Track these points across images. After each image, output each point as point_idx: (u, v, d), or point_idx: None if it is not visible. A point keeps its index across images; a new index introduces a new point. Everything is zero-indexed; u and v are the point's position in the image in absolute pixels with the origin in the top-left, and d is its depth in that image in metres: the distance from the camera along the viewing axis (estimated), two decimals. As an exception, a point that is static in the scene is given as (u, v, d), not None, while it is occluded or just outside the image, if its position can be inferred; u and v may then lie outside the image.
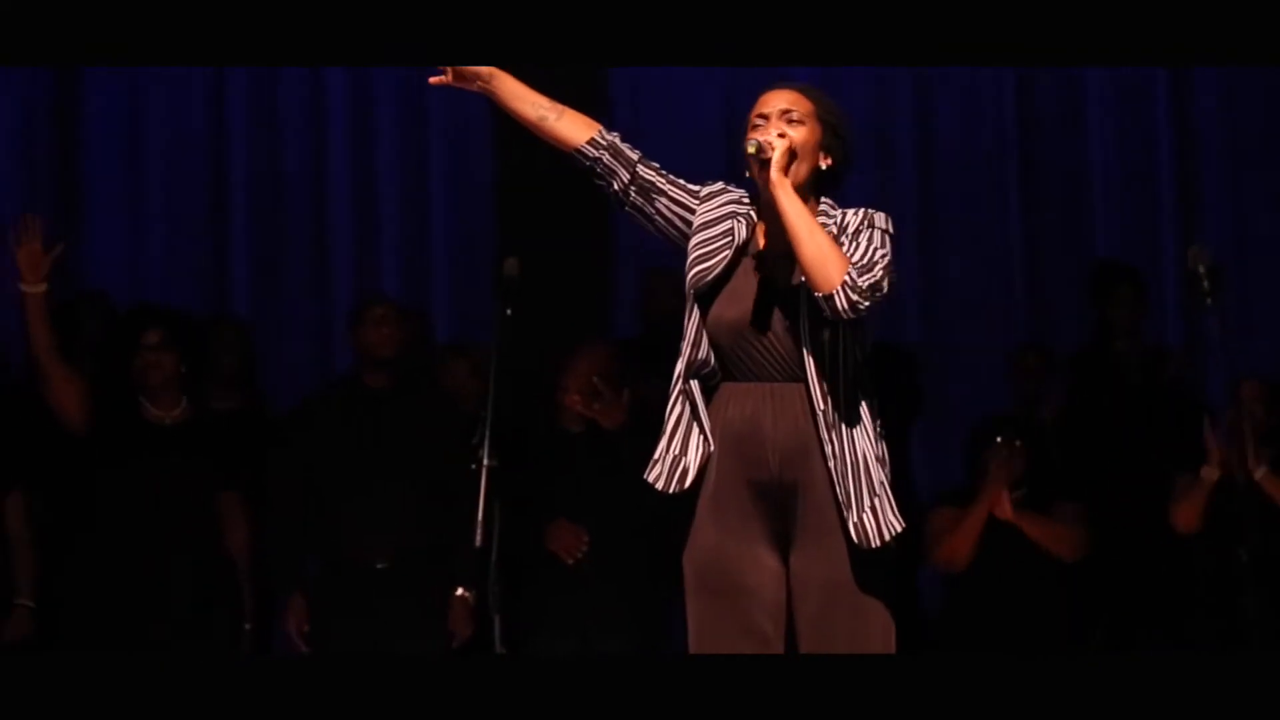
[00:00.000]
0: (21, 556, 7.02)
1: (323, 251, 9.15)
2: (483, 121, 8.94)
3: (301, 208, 9.17)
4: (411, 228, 9.22)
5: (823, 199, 4.59)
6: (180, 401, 7.08)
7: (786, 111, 4.54)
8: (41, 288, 6.78)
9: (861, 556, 4.49)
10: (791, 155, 4.53)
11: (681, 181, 4.71)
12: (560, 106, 4.73)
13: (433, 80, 4.78)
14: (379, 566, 6.98)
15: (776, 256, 4.56)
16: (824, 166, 4.56)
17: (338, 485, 7.03)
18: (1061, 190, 9.36)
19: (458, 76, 4.73)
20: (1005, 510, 7.31)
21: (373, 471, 7.04)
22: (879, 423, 4.56)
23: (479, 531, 5.67)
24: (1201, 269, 5.90)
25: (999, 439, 7.34)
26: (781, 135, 4.53)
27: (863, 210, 4.55)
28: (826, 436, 4.46)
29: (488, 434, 5.78)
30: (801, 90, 4.61)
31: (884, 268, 4.44)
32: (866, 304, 4.40)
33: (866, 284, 4.39)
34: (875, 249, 4.46)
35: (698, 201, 4.66)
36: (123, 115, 9.15)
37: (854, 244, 4.46)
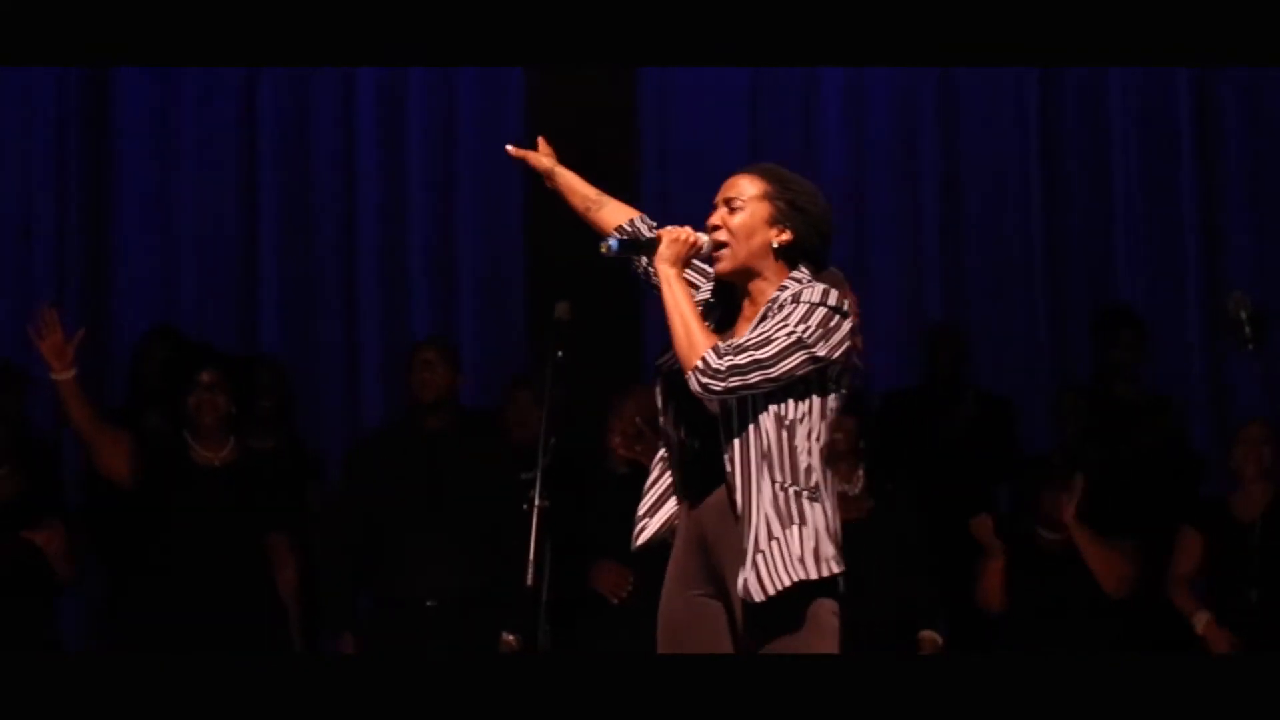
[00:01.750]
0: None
1: (351, 282, 9.16)
2: (513, 137, 8.97)
3: (330, 232, 9.19)
4: (441, 261, 9.24)
5: (797, 270, 4.76)
6: (228, 442, 7.23)
7: (730, 200, 4.80)
8: (70, 374, 7.01)
9: (761, 609, 4.63)
10: (718, 245, 4.76)
11: (697, 264, 4.89)
12: (605, 197, 5.07)
13: (512, 151, 5.20)
14: (429, 604, 7.05)
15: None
16: (778, 243, 4.75)
17: (393, 524, 7.12)
18: (1084, 203, 9.38)
19: (532, 160, 5.15)
20: (1068, 514, 7.31)
21: (427, 511, 7.13)
22: (805, 481, 4.67)
23: (530, 571, 5.72)
24: (1244, 315, 5.97)
25: (1047, 480, 7.41)
26: (716, 226, 4.78)
27: (808, 287, 4.70)
28: (735, 498, 4.66)
29: (539, 474, 5.83)
30: (758, 172, 4.83)
31: (771, 349, 4.60)
32: (721, 385, 4.61)
33: (725, 366, 4.59)
34: (772, 330, 4.63)
35: (707, 281, 4.90)
36: (155, 121, 9.18)
37: (759, 325, 4.67)
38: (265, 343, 8.96)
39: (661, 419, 4.86)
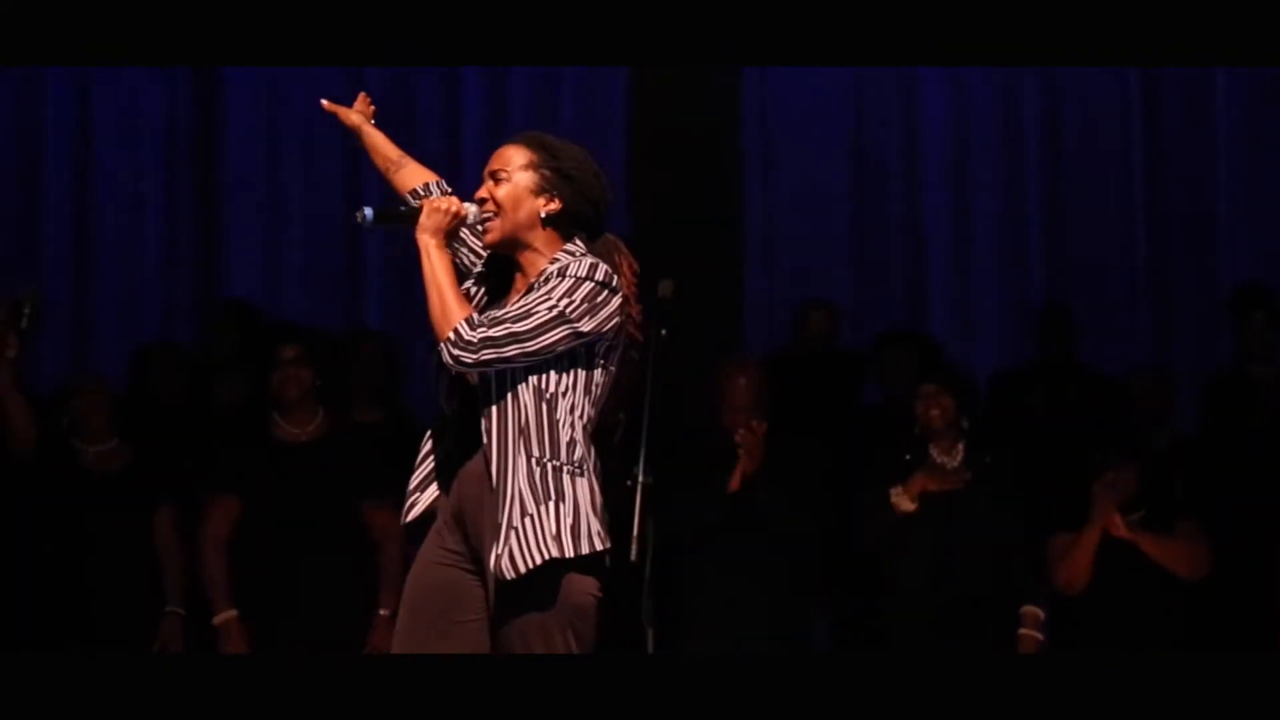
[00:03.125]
0: (171, 567, 7.20)
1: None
2: (617, 136, 9.06)
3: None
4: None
5: (570, 243, 4.67)
6: (315, 417, 7.21)
7: (495, 171, 4.71)
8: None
9: (513, 586, 4.56)
10: (485, 216, 4.67)
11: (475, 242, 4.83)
12: (406, 159, 5.02)
13: (326, 105, 5.17)
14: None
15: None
16: (545, 212, 4.67)
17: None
18: (1189, 203, 9.37)
19: (342, 115, 5.14)
20: (1120, 529, 7.30)
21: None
22: (567, 456, 4.60)
23: (634, 547, 5.77)
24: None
25: (1108, 465, 7.35)
26: (483, 199, 4.69)
27: (577, 261, 4.61)
28: (491, 471, 4.57)
29: (643, 451, 5.88)
30: (523, 142, 4.74)
31: (530, 323, 4.53)
32: (472, 358, 4.53)
33: (477, 338, 4.51)
34: (534, 303, 4.56)
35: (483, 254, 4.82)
36: (262, 105, 9.29)
37: (523, 298, 4.59)
38: (370, 319, 9.06)
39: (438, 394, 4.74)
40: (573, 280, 4.56)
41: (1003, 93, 9.40)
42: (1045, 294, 9.27)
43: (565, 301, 4.54)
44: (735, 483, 7.21)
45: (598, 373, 4.65)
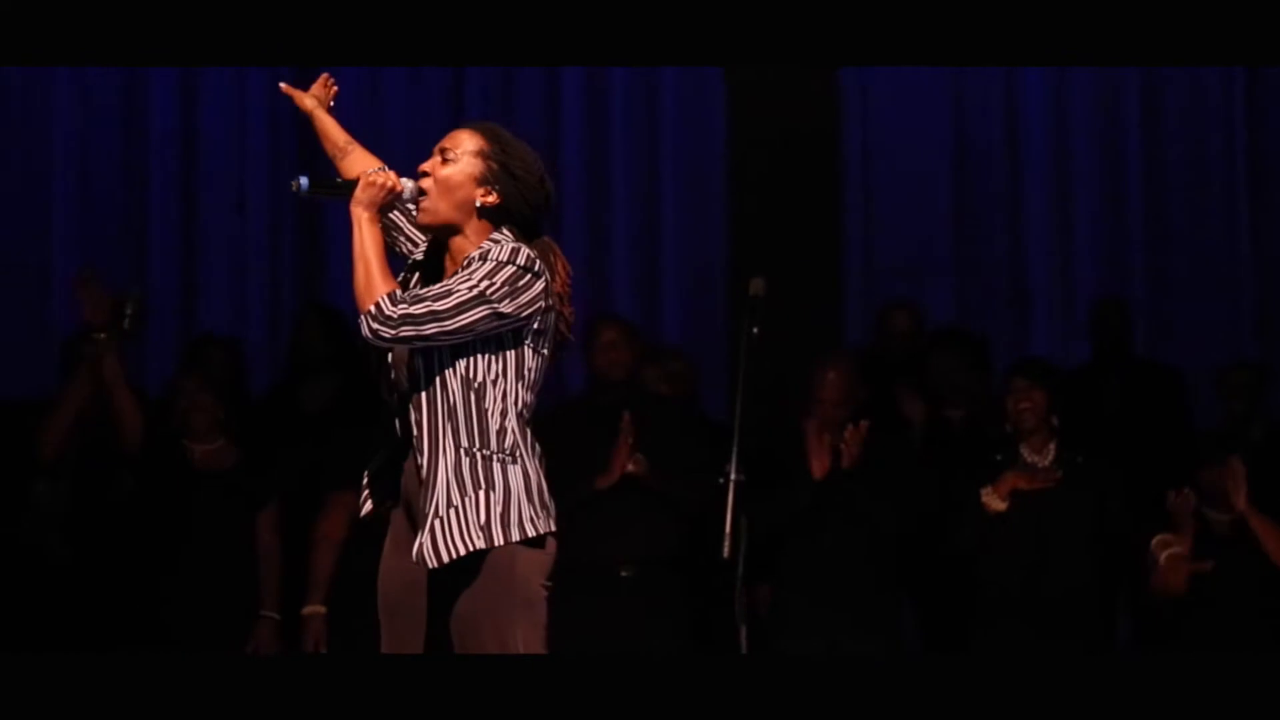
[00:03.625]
0: (269, 570, 7.29)
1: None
2: (716, 136, 9.09)
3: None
4: (643, 241, 9.37)
5: (500, 231, 4.62)
6: None
7: (445, 149, 4.68)
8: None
9: (446, 576, 4.53)
10: (421, 192, 4.63)
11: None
12: (353, 145, 4.97)
13: (283, 88, 5.10)
14: (623, 574, 7.15)
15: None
16: (482, 202, 4.63)
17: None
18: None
19: (297, 99, 5.07)
20: (1241, 501, 7.19)
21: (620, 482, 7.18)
22: (498, 445, 4.55)
23: (726, 544, 5.81)
24: None
25: (1213, 460, 7.28)
26: (426, 173, 4.65)
27: (500, 246, 4.56)
28: (421, 461, 4.54)
29: (735, 449, 5.93)
30: (479, 129, 4.71)
31: (449, 301, 4.47)
32: (391, 333, 4.48)
33: (398, 313, 4.46)
34: (455, 284, 4.51)
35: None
36: (362, 105, 9.36)
37: (448, 279, 4.55)
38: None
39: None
40: (494, 264, 4.50)
41: (1103, 80, 9.35)
42: (1146, 287, 9.23)
43: (485, 283, 4.48)
44: (819, 470, 7.18)
45: (529, 358, 4.58)
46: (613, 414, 7.17)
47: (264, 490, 7.34)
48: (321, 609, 7.17)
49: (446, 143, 4.68)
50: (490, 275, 4.49)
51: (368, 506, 4.72)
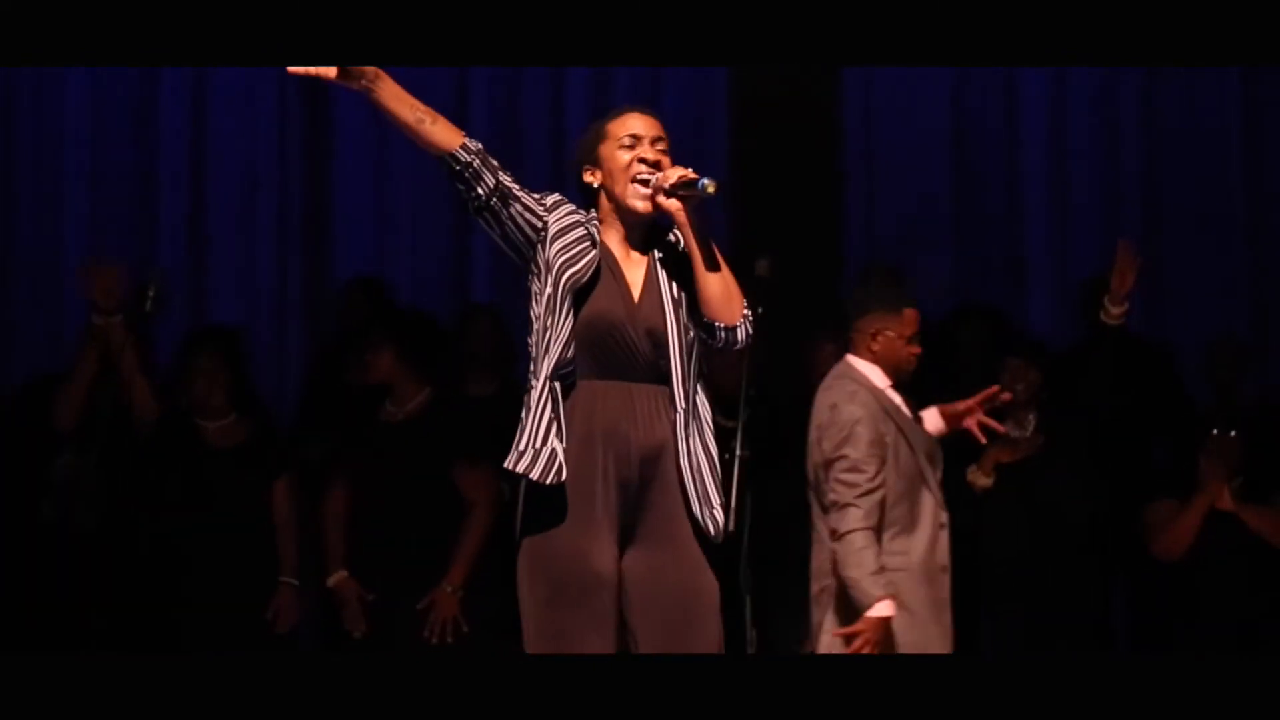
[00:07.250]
0: (287, 537, 7.41)
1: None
2: (719, 122, 9.20)
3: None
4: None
5: None
6: (416, 395, 7.33)
7: (658, 139, 4.81)
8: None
9: (701, 561, 4.72)
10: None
11: (530, 191, 4.80)
12: (434, 112, 4.79)
13: (293, 70, 4.71)
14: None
15: (632, 265, 4.80)
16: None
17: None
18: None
19: (342, 74, 4.69)
20: (1226, 502, 7.31)
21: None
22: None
23: (731, 518, 5.93)
24: None
25: (1214, 432, 7.33)
26: (656, 160, 4.80)
27: None
28: (681, 437, 4.69)
29: (740, 425, 6.04)
30: (659, 119, 4.87)
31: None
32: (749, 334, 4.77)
33: (752, 317, 4.76)
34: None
35: (545, 210, 4.77)
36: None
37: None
38: (477, 294, 9.22)
39: (561, 352, 4.71)
40: None
41: (1099, 80, 9.42)
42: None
43: None
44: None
45: None
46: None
47: (277, 461, 7.43)
48: (344, 573, 7.28)
49: (657, 131, 4.83)
50: None
51: (565, 474, 4.66)
